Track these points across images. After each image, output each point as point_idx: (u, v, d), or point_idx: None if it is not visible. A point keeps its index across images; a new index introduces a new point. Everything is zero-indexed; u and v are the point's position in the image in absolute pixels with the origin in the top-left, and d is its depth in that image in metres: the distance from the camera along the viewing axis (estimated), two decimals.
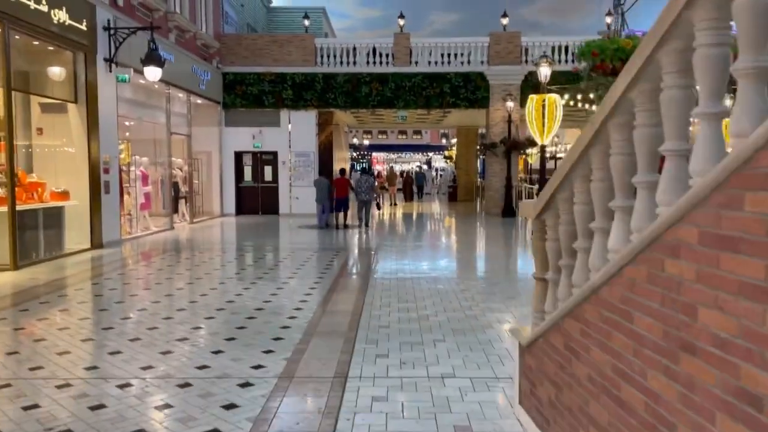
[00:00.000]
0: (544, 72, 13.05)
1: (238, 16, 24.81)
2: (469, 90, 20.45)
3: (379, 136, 62.19)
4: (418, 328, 6.10)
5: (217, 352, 5.31)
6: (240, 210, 20.97)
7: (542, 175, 13.51)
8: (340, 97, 20.46)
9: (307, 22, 21.10)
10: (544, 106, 12.84)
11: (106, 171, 12.35)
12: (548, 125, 12.80)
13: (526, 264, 10.54)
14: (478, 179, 31.09)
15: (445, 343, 5.53)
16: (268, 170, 21.07)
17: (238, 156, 20.95)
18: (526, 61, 20.52)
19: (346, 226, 16.66)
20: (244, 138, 20.66)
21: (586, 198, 2.91)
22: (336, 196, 16.47)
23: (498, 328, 6.11)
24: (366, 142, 52.27)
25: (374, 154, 61.74)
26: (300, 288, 8.27)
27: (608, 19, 20.52)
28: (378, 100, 20.48)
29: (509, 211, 19.75)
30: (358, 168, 50.29)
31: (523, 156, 20.79)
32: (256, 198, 21.11)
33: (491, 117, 20.58)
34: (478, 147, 20.90)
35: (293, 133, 20.75)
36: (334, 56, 20.58)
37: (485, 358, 5.09)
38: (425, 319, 6.47)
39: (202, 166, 20.23)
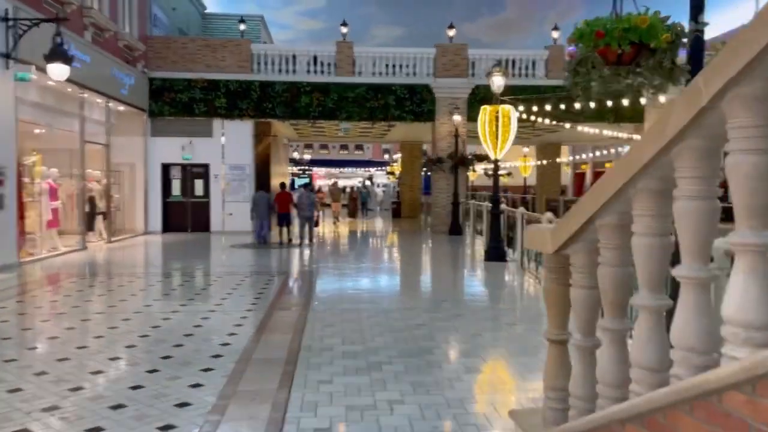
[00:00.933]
0: (498, 82, 12.23)
1: (168, 19, 23.16)
2: (415, 102, 19.56)
3: (321, 151, 61.00)
4: (363, 350, 5.72)
5: (135, 388, 4.61)
6: (167, 227, 19.22)
7: (495, 192, 12.62)
8: (279, 107, 19.15)
9: (242, 27, 19.74)
10: (497, 118, 12.00)
11: (0, 183, 10.61)
12: (502, 138, 11.96)
13: (473, 282, 9.57)
14: (422, 195, 30.28)
15: (392, 366, 5.22)
16: (198, 184, 19.45)
17: (166, 168, 19.25)
18: (473, 74, 19.86)
19: (290, 241, 16.08)
20: (172, 149, 19.00)
21: (658, 226, 1.82)
22: (278, 211, 15.88)
23: (445, 348, 5.91)
24: (307, 157, 50.87)
25: (315, 169, 60.38)
26: (234, 311, 7.27)
27: (555, 34, 20.15)
28: (319, 111, 19.29)
29: (456, 229, 18.87)
30: (299, 183, 48.84)
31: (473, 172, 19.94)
32: (185, 214, 19.43)
33: (437, 131, 19.74)
34: (423, 162, 19.95)
35: (227, 145, 19.25)
36: (272, 63, 19.29)
37: (434, 382, 4.82)
38: (371, 340, 6.08)
39: (125, 179, 18.42)
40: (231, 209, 19.28)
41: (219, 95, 18.94)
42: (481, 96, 19.50)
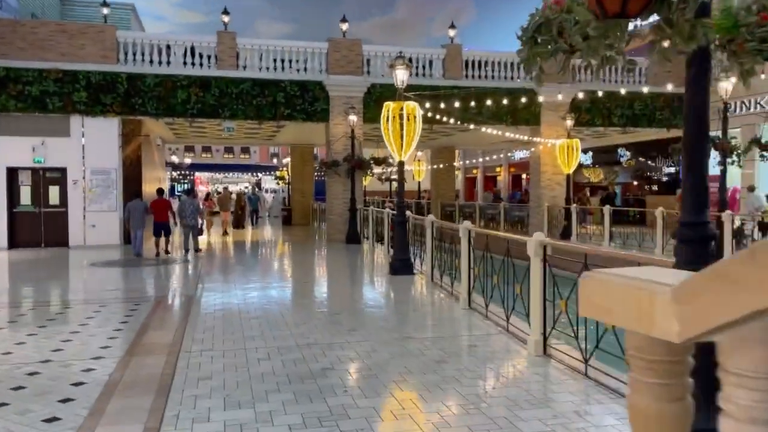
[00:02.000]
0: (401, 76, 11.02)
1: (19, 4, 19.97)
2: (307, 101, 18.00)
3: (204, 155, 57.53)
4: (248, 378, 5.05)
5: None
6: (14, 242, 16.27)
7: (400, 197, 11.38)
8: (150, 103, 16.83)
9: (105, 11, 17.17)
10: (401, 116, 10.79)
11: None
12: (407, 138, 10.76)
13: (378, 298, 8.22)
14: (315, 201, 28.71)
15: (280, 395, 4.64)
16: (53, 191, 16.65)
17: (12, 173, 16.30)
18: (368, 72, 18.66)
19: (167, 253, 14.65)
20: (20, 150, 16.11)
21: None
22: (155, 220, 14.60)
23: (341, 369, 5.27)
24: (187, 161, 47.49)
25: (198, 174, 56.82)
26: (79, 356, 5.49)
27: (451, 32, 19.43)
28: (198, 108, 17.19)
29: (354, 237, 17.52)
30: (180, 190, 45.31)
31: (379, 175, 18.71)
32: (38, 227, 16.55)
33: (332, 132, 18.31)
34: (316, 166, 18.46)
35: (88, 146, 16.64)
36: (142, 54, 16.94)
37: (328, 411, 4.28)
38: (255, 365, 5.43)
39: None
40: (94, 220, 16.68)
41: (78, 88, 16.32)
42: (377, 95, 18.37)
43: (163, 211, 14.73)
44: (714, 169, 16.13)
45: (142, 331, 6.75)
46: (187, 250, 14.97)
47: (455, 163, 31.04)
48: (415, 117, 10.91)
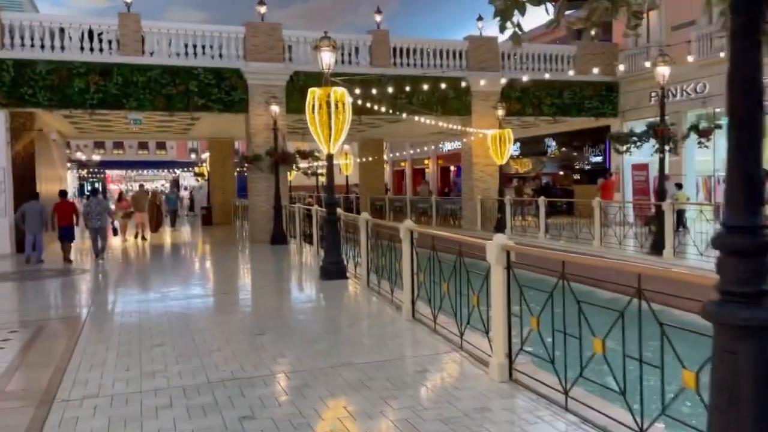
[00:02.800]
0: (327, 59, 9.90)
1: None
2: (224, 90, 16.51)
3: (115, 151, 54.02)
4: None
5: None
6: None
7: (330, 193, 10.26)
8: (42, 93, 14.87)
9: None
10: (329, 104, 9.67)
11: None
12: (336, 128, 9.65)
13: (310, 307, 7.14)
14: (237, 199, 27.08)
15: None
16: None
17: None
18: (290, 59, 17.37)
19: (69, 261, 13.35)
20: None
21: None
22: (59, 224, 13.49)
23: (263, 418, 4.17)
24: (96, 158, 44.26)
25: (108, 172, 53.36)
26: None
27: (378, 18, 18.42)
28: (99, 98, 15.36)
29: (280, 238, 16.25)
30: (89, 189, 41.99)
31: (305, 170, 17.45)
32: None
33: (252, 124, 16.90)
34: (237, 161, 17.04)
35: None
36: (32, 38, 14.93)
37: None
38: (151, 417, 4.25)
39: None
40: None
41: None
42: (301, 84, 17.12)
43: (68, 214, 13.64)
44: (651, 158, 16.01)
45: (9, 373, 5.35)
46: (97, 255, 13.84)
47: (383, 156, 30.15)
48: (344, 105, 9.82)
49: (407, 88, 17.91)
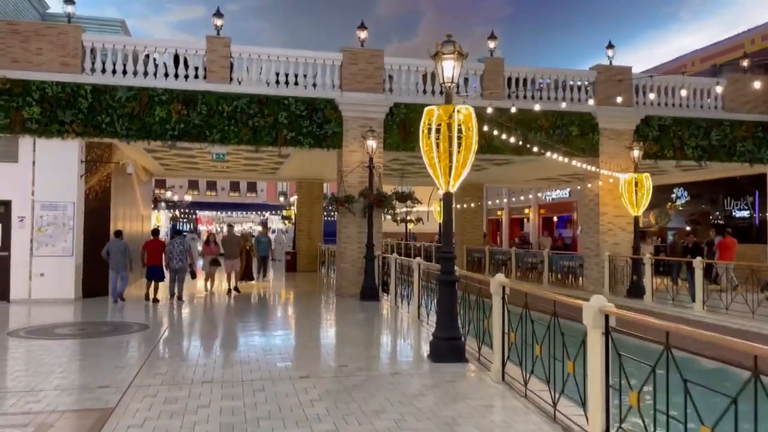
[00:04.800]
0: (449, 70, 7.59)
1: None
2: (315, 123, 14.62)
3: (208, 192, 54.65)
4: None
5: None
6: None
7: (448, 247, 7.73)
8: (120, 122, 13.51)
9: (70, 8, 13.91)
10: (450, 125, 7.31)
11: None
12: (460, 158, 7.24)
13: (413, 422, 4.62)
14: (323, 244, 25.20)
15: None
16: None
17: None
18: (391, 90, 15.32)
19: (156, 300, 13.36)
20: None
21: None
22: (148, 263, 13.60)
23: None
24: (188, 198, 44.31)
25: (200, 213, 53.69)
26: None
27: (491, 44, 16.12)
28: (180, 129, 13.83)
29: (371, 293, 13.87)
30: (185, 229, 41.70)
31: (399, 217, 15.16)
32: None
33: (345, 161, 14.86)
34: (327, 201, 14.99)
35: (41, 174, 13.28)
36: (113, 61, 13.72)
37: None
38: None
39: None
40: (43, 267, 13.18)
41: (30, 102, 13.05)
42: (401, 117, 15.08)
43: (157, 253, 13.74)
44: None
45: None
46: (172, 295, 13.63)
47: (482, 203, 27.46)
48: (471, 128, 7.38)
49: (524, 124, 15.37)
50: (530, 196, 33.89)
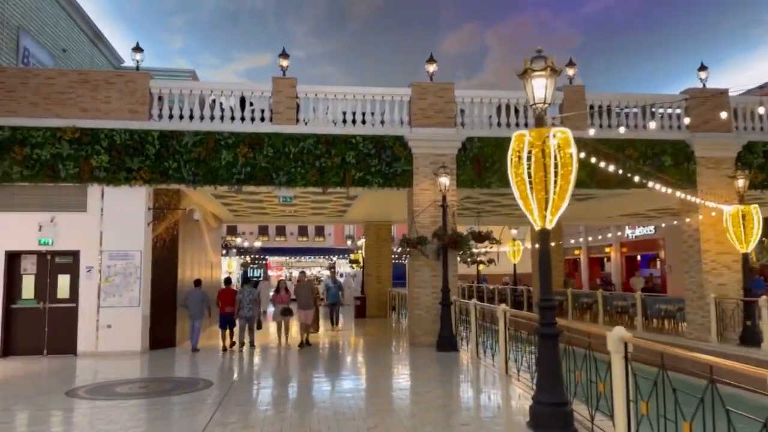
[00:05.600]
0: (540, 90, 6.63)
1: (55, 63, 17.46)
2: (384, 161, 13.90)
3: (277, 238, 55.15)
4: None
5: None
6: (8, 348, 12.59)
7: (547, 292, 6.60)
8: (187, 167, 13.22)
9: (138, 56, 13.99)
10: (545, 152, 6.31)
11: None
12: (560, 187, 6.20)
13: None
14: (392, 288, 24.26)
15: None
16: (63, 281, 13.03)
17: (13, 259, 12.86)
18: (463, 124, 14.45)
19: (233, 345, 13.71)
20: (23, 229, 12.73)
21: None
22: (221, 312, 13.87)
23: None
24: (257, 244, 44.55)
25: (269, 258, 54.07)
26: None
27: (570, 72, 15.06)
28: (246, 173, 13.40)
29: (448, 342, 12.72)
30: (256, 276, 41.74)
31: (470, 258, 14.05)
32: (41, 328, 12.83)
33: (416, 200, 13.99)
34: (401, 242, 14.04)
35: (108, 222, 13.07)
36: (180, 107, 13.55)
37: None
38: None
39: None
40: (110, 319, 12.82)
41: (98, 150, 12.97)
42: (474, 152, 14.16)
43: (231, 301, 13.79)
44: None
45: None
46: (242, 345, 13.64)
47: (561, 242, 25.86)
48: (569, 154, 6.35)
49: (609, 155, 14.08)
50: (610, 234, 31.92)
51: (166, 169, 13.17)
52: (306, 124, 13.90)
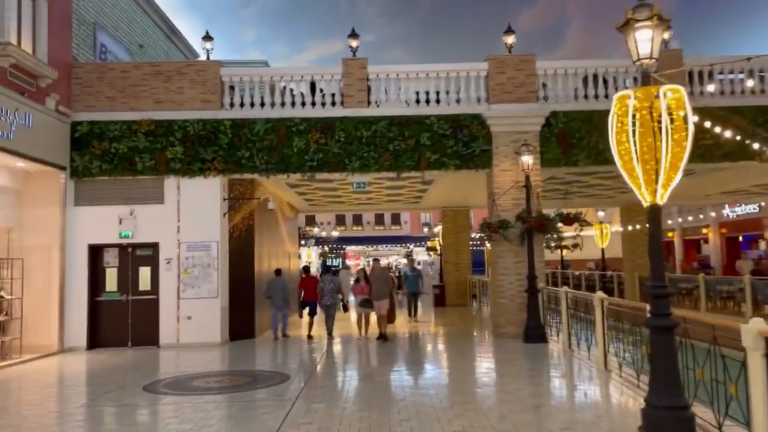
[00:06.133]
0: (645, 43, 5.70)
1: (132, 59, 17.72)
2: (461, 141, 13.13)
3: (354, 227, 55.34)
4: None
5: None
6: (95, 340, 12.83)
7: (658, 277, 5.68)
8: (260, 156, 12.98)
9: (208, 45, 13.86)
10: (652, 114, 5.40)
11: None
12: (671, 157, 5.29)
13: None
14: (471, 275, 23.43)
15: None
16: (144, 273, 13.13)
17: (96, 252, 13.07)
18: (546, 98, 13.43)
19: (310, 337, 13.53)
20: (104, 223, 12.90)
21: None
22: (304, 298, 14.06)
23: None
24: (335, 233, 44.72)
25: (347, 248, 54.30)
26: None
27: (666, 35, 13.64)
28: (319, 160, 13.02)
29: (536, 333, 11.86)
30: (335, 265, 41.97)
31: (554, 243, 13.11)
32: (125, 319, 13.00)
33: (497, 182, 13.14)
34: (482, 226, 13.21)
35: (185, 213, 13.05)
36: (251, 95, 13.30)
37: None
38: None
39: (32, 271, 12.23)
40: (189, 310, 12.82)
41: (173, 142, 12.96)
42: (560, 127, 13.14)
43: (312, 290, 13.95)
44: None
45: None
46: (330, 333, 13.63)
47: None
48: (683, 117, 5.41)
49: (709, 124, 12.65)
50: (708, 214, 29.56)
51: (239, 159, 12.98)
52: (378, 106, 13.33)
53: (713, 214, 29.12)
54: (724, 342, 5.20)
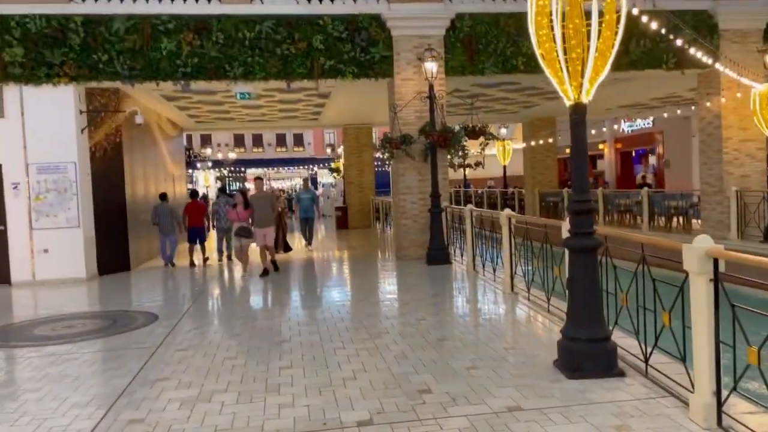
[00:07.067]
0: None
1: None
2: (359, 46, 11.70)
3: (254, 149, 52.83)
4: None
5: None
6: None
7: (581, 187, 4.82)
8: (121, 60, 10.95)
9: None
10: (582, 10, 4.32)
11: None
12: (599, 54, 4.20)
13: None
14: (375, 197, 22.57)
15: None
16: None
17: None
18: None
19: (206, 260, 13.12)
20: None
21: None
22: (189, 224, 13.00)
23: None
24: (232, 155, 42.27)
25: (248, 171, 51.94)
26: None
27: None
28: (194, 65, 11.18)
29: (439, 255, 11.16)
30: (232, 190, 39.79)
31: (459, 159, 12.26)
32: None
33: (398, 92, 11.94)
34: (381, 143, 12.13)
35: (32, 129, 10.97)
36: None
37: None
38: None
39: None
40: (45, 242, 11.01)
41: (10, 42, 10.64)
42: (466, 31, 12.02)
43: (198, 215, 13.11)
44: None
45: None
46: (221, 254, 13.36)
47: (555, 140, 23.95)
48: (615, 9, 4.38)
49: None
50: (604, 129, 30.04)
51: (95, 63, 10.89)
52: (262, 2, 11.54)
53: (609, 128, 29.63)
54: (655, 263, 4.47)
